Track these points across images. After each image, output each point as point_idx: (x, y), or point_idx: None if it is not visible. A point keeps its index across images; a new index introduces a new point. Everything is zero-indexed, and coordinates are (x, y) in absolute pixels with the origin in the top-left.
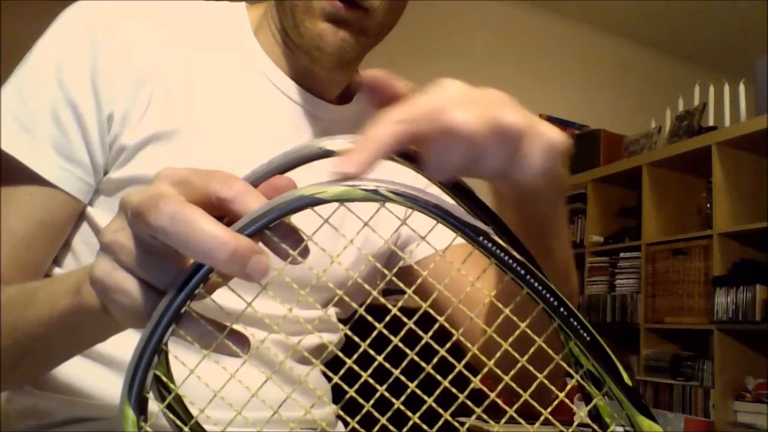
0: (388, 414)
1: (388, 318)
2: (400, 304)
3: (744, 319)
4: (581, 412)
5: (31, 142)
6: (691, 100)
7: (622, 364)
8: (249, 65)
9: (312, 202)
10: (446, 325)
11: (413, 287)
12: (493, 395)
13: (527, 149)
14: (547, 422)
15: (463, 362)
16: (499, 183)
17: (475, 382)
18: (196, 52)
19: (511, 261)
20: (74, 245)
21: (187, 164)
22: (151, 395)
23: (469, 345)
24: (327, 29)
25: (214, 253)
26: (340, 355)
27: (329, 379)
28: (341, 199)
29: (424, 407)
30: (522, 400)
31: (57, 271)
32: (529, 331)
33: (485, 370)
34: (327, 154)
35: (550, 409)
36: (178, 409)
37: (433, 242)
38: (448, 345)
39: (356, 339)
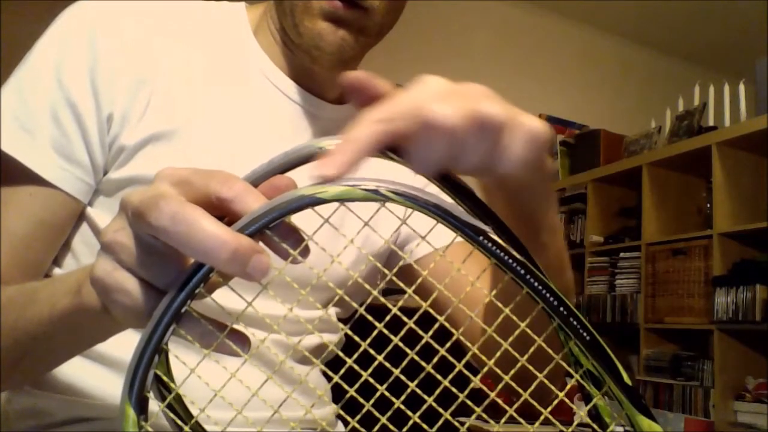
0: (389, 413)
1: (388, 318)
2: (400, 303)
3: (744, 319)
4: (581, 412)
5: (30, 143)
6: (691, 100)
7: (622, 364)
8: (248, 65)
9: (312, 201)
10: (446, 324)
11: (413, 287)
12: (493, 395)
13: (508, 140)
14: (547, 422)
15: (463, 362)
16: (484, 177)
17: (475, 381)
18: (196, 52)
19: (510, 261)
20: (74, 245)
21: (186, 164)
22: (151, 395)
23: (469, 345)
24: (326, 29)
25: (214, 252)
26: (341, 354)
27: (329, 379)
28: (341, 199)
29: (424, 407)
30: (522, 399)
31: (57, 271)
32: (529, 331)
33: (485, 369)
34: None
35: (550, 409)
36: (178, 408)
37: (431, 241)
38: (448, 345)
39: (356, 338)
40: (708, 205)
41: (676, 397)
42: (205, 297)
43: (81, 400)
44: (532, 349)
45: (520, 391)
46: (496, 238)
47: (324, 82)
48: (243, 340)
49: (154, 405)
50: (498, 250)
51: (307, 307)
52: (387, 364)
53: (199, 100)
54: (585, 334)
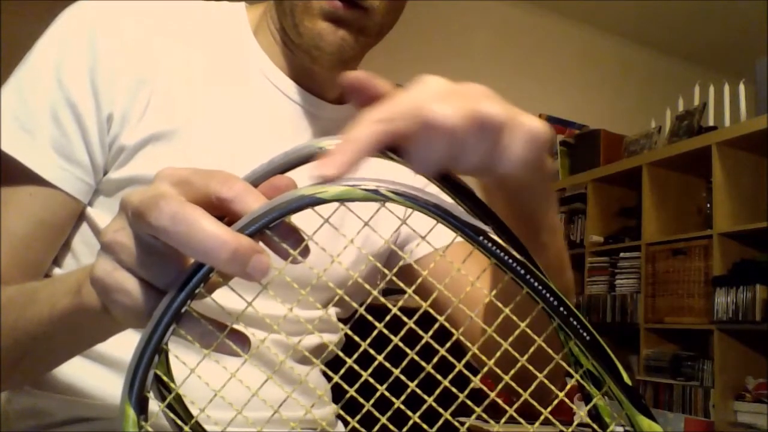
0: (389, 413)
1: (388, 317)
2: (400, 303)
3: (744, 319)
4: (581, 412)
5: (30, 143)
6: (691, 100)
7: (622, 364)
8: (248, 65)
9: (312, 201)
10: (446, 324)
11: (413, 287)
12: (493, 395)
13: (508, 140)
14: (547, 422)
15: (463, 362)
16: (484, 177)
17: (475, 381)
18: (196, 52)
19: (511, 261)
20: (74, 245)
21: (186, 164)
22: (151, 395)
23: (469, 345)
24: (326, 28)
25: (214, 252)
26: (341, 354)
27: (329, 379)
28: (341, 199)
29: (425, 407)
30: (522, 399)
31: (57, 271)
32: (528, 331)
33: (485, 369)
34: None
35: (550, 409)
36: (178, 408)
37: (431, 241)
38: (448, 344)
39: (356, 338)
40: (708, 205)
41: (676, 397)
42: (205, 297)
43: (81, 400)
44: (532, 349)
45: (520, 391)
46: (496, 238)
47: (324, 82)
48: (243, 340)
49: (154, 405)
50: (498, 250)
51: (307, 307)
52: (387, 364)
53: (199, 100)
54: (585, 334)
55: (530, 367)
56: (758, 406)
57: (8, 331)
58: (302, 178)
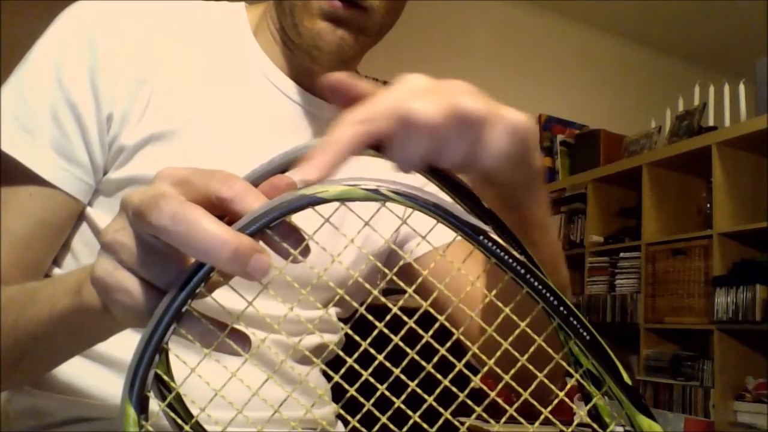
0: (389, 413)
1: (388, 317)
2: (400, 303)
3: (744, 319)
4: (581, 412)
5: (30, 143)
6: (691, 100)
7: (622, 364)
8: (248, 65)
9: (313, 201)
10: (447, 324)
11: (413, 287)
12: (493, 394)
13: (489, 135)
14: (547, 422)
15: (463, 361)
16: (469, 172)
17: (476, 381)
18: (196, 52)
19: (511, 260)
20: (74, 245)
21: (186, 164)
22: (152, 394)
23: (469, 344)
24: (326, 28)
25: (215, 252)
26: (341, 354)
27: (329, 379)
28: (342, 199)
29: (425, 406)
30: (522, 399)
31: (56, 271)
32: (529, 331)
33: (485, 369)
34: None
35: (550, 409)
36: (178, 408)
37: (430, 239)
38: (448, 344)
39: (357, 338)
40: (708, 205)
41: (676, 397)
42: (206, 296)
43: (81, 400)
44: (532, 349)
45: (520, 390)
46: (496, 237)
47: None
48: (243, 340)
49: (155, 405)
50: (498, 250)
51: (308, 306)
52: (387, 364)
53: (199, 100)
54: (585, 333)
55: (530, 367)
56: (758, 406)
57: (8, 331)
58: None
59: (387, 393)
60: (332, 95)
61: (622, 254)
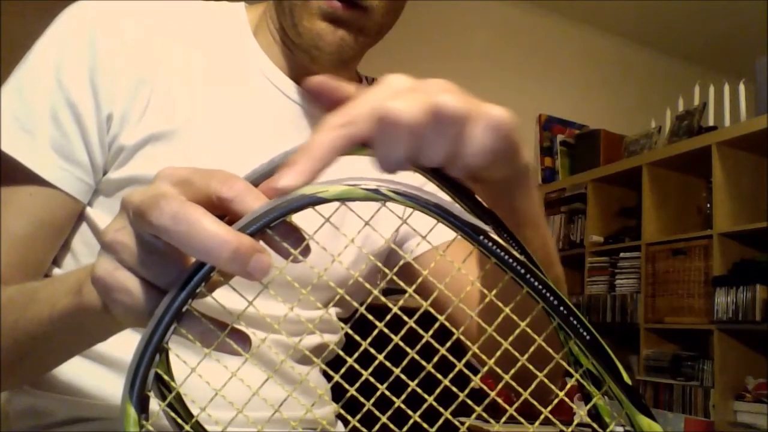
0: (389, 413)
1: (388, 317)
2: (400, 303)
3: (744, 319)
4: (581, 412)
5: (30, 143)
6: (691, 100)
7: (622, 364)
8: (248, 65)
9: (313, 201)
10: (447, 324)
11: (413, 286)
12: (493, 394)
13: (471, 132)
14: (547, 422)
15: (464, 361)
16: (454, 171)
17: (476, 381)
18: (196, 52)
19: (511, 260)
20: (73, 245)
21: (186, 164)
22: (152, 394)
23: (469, 344)
24: (325, 29)
25: (215, 251)
26: (341, 353)
27: (329, 378)
28: (342, 199)
29: (425, 406)
30: (522, 399)
31: (56, 271)
32: (529, 330)
33: (485, 369)
34: None
35: (550, 409)
36: (179, 408)
37: (429, 238)
38: (448, 344)
39: (357, 338)
40: (708, 205)
41: (676, 397)
42: (206, 296)
43: (81, 400)
44: (532, 349)
45: (520, 390)
46: (496, 237)
47: None
48: (244, 340)
49: (155, 404)
50: (498, 250)
51: (308, 306)
52: (387, 364)
53: (199, 100)
54: (585, 333)
55: (530, 367)
56: (758, 406)
57: (8, 331)
58: None
59: (387, 393)
60: (316, 98)
61: (622, 254)
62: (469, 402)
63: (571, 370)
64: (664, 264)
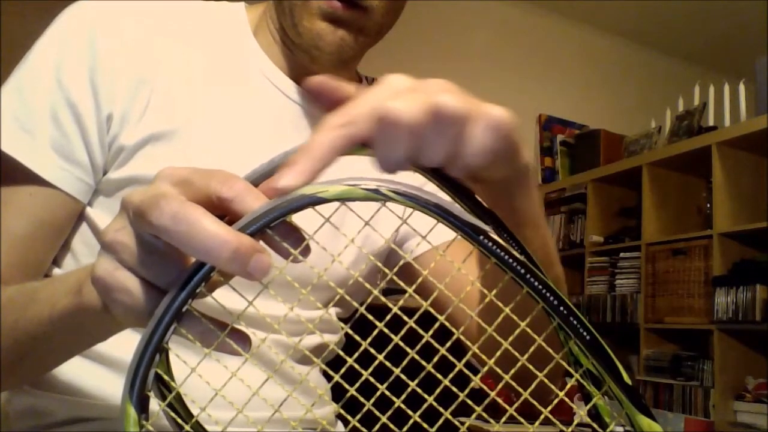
0: (389, 413)
1: (388, 317)
2: (400, 303)
3: (744, 319)
4: (581, 412)
5: (30, 143)
6: (691, 100)
7: (622, 364)
8: (248, 65)
9: (313, 201)
10: (447, 324)
11: (413, 286)
12: (493, 394)
13: (471, 132)
14: (547, 422)
15: (463, 361)
16: (453, 171)
17: (476, 381)
18: (196, 52)
19: (511, 260)
20: (73, 245)
21: (186, 164)
22: (152, 394)
23: (469, 344)
24: (325, 29)
25: (215, 251)
26: (341, 353)
27: (329, 378)
28: (342, 199)
29: (425, 406)
30: (522, 399)
31: (56, 271)
32: (529, 330)
33: (485, 369)
34: None
35: (550, 409)
36: (178, 408)
37: (429, 238)
38: (448, 344)
39: (357, 338)
40: (708, 205)
41: (676, 397)
42: (206, 296)
43: (81, 400)
44: (532, 349)
45: (520, 390)
46: (496, 237)
47: None
48: (244, 339)
49: (155, 404)
50: (498, 250)
51: (308, 306)
52: (387, 364)
53: (199, 100)
54: (585, 333)
55: (530, 367)
56: (758, 406)
57: (8, 331)
58: None
59: (387, 393)
60: (316, 98)
61: (622, 254)
62: (469, 402)
63: (571, 370)
64: (664, 264)
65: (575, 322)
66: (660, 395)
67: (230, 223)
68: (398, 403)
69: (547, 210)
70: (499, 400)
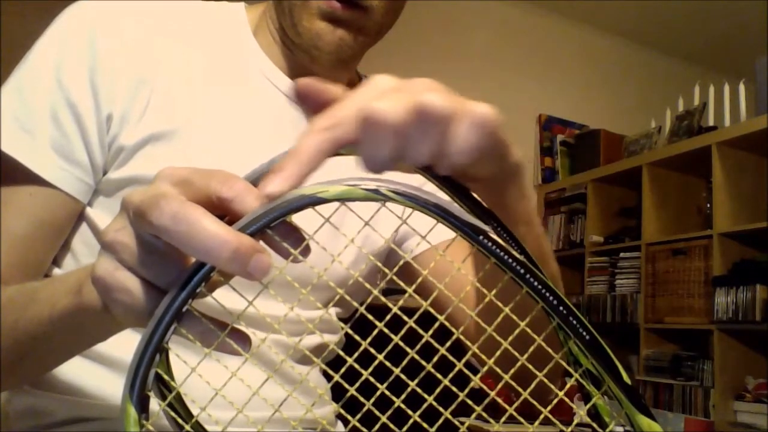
0: (389, 413)
1: (388, 317)
2: (400, 303)
3: (744, 319)
4: (581, 412)
5: (30, 143)
6: (691, 100)
7: (622, 364)
8: (248, 65)
9: (313, 201)
10: (447, 324)
11: (413, 286)
12: (493, 394)
13: (456, 130)
14: (547, 422)
15: (463, 361)
16: (441, 170)
17: (475, 381)
18: (196, 52)
19: (510, 260)
20: (73, 245)
21: (186, 164)
22: (152, 394)
23: (469, 344)
24: (325, 29)
25: (215, 251)
26: (341, 353)
27: (329, 378)
28: (342, 199)
29: (425, 406)
30: (522, 399)
31: (56, 271)
32: (529, 331)
33: (485, 369)
34: None
35: (549, 408)
36: (179, 407)
37: (429, 238)
38: (448, 344)
39: (357, 338)
40: (708, 205)
41: (676, 397)
42: (206, 296)
43: (81, 400)
44: (531, 349)
45: (520, 389)
46: (496, 237)
47: None
48: (244, 339)
49: (155, 404)
50: (498, 250)
51: (308, 306)
52: (387, 364)
53: (199, 100)
54: (584, 333)
55: (530, 366)
56: (758, 406)
57: (8, 331)
58: None
59: (387, 393)
60: (303, 101)
61: (622, 254)
62: (469, 402)
63: (571, 370)
64: (664, 264)
65: (575, 321)
66: (660, 395)
67: (230, 223)
68: (398, 402)
69: (547, 210)
70: (499, 400)
